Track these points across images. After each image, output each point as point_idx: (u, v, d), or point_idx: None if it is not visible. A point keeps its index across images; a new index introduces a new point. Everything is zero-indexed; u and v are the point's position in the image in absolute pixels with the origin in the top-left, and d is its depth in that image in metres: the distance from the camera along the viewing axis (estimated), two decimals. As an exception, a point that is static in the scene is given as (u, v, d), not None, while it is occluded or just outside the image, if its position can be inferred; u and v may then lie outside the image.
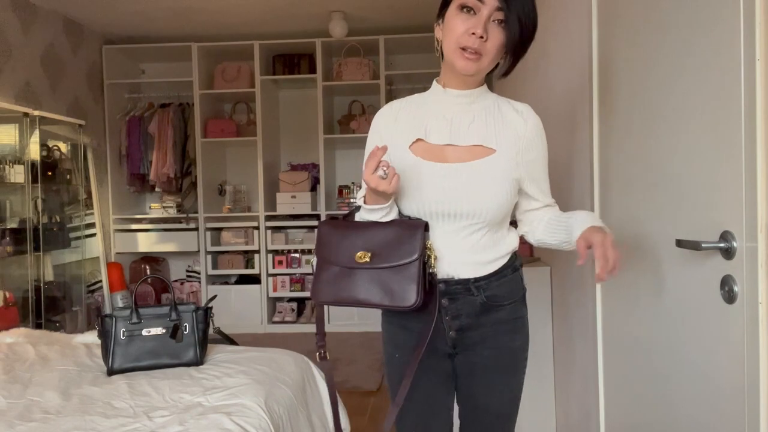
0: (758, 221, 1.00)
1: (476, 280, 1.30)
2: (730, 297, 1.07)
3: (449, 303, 1.31)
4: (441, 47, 1.28)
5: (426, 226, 1.26)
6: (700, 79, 1.18)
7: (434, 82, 1.35)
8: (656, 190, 1.40)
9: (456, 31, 1.20)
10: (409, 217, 1.30)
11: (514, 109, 1.32)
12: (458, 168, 1.27)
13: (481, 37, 1.18)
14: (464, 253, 1.29)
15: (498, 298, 1.33)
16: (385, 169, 1.16)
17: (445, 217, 1.27)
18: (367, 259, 1.24)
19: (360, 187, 1.41)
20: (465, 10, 1.20)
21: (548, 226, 1.36)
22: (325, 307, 4.97)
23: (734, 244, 1.06)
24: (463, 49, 1.20)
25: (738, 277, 1.06)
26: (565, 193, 2.21)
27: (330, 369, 1.47)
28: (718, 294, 1.11)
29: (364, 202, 1.29)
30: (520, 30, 1.18)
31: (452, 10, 1.23)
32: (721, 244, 1.08)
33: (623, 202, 1.63)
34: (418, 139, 1.30)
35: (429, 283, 1.24)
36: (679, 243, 1.19)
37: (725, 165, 1.09)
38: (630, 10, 1.54)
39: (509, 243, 1.35)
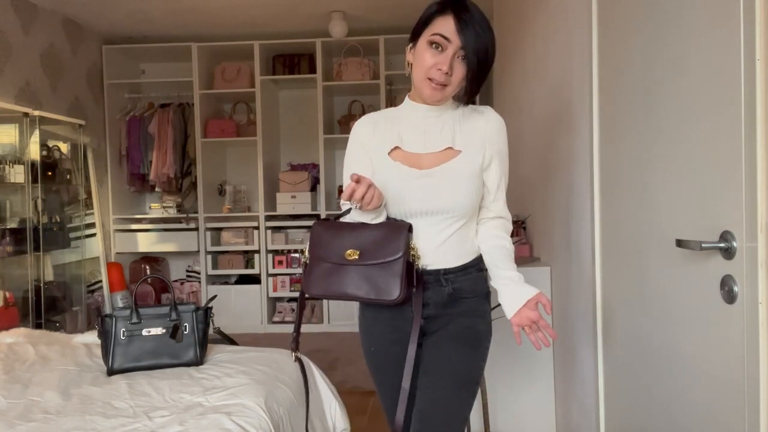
0: (758, 221, 1.00)
1: (446, 272, 1.43)
2: (730, 297, 1.08)
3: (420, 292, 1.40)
4: (411, 70, 1.43)
5: (410, 228, 1.39)
6: (700, 79, 1.18)
7: (407, 97, 1.49)
8: (656, 189, 1.40)
9: (425, 63, 1.36)
10: (395, 219, 1.42)
11: (478, 112, 1.47)
12: (432, 171, 1.41)
13: (447, 73, 1.34)
14: (438, 246, 1.42)
15: (463, 291, 1.45)
16: (356, 205, 1.32)
17: (424, 215, 1.41)
18: (356, 257, 1.36)
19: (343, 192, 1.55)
20: (434, 46, 1.35)
21: (486, 256, 1.49)
22: (325, 309, 5.00)
23: (734, 244, 1.06)
24: (430, 79, 1.36)
25: (738, 277, 1.06)
26: (566, 193, 2.21)
27: (303, 364, 1.69)
28: (718, 294, 1.11)
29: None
30: (477, 64, 1.34)
31: (423, 43, 1.37)
32: (721, 244, 1.08)
33: (623, 202, 1.63)
34: (396, 147, 1.44)
35: (416, 278, 1.37)
36: (679, 243, 1.19)
37: (725, 165, 1.09)
38: (630, 10, 1.54)
39: (474, 245, 1.49)
